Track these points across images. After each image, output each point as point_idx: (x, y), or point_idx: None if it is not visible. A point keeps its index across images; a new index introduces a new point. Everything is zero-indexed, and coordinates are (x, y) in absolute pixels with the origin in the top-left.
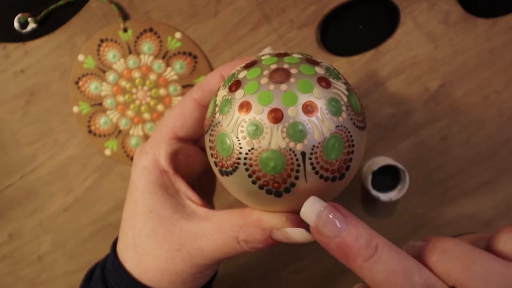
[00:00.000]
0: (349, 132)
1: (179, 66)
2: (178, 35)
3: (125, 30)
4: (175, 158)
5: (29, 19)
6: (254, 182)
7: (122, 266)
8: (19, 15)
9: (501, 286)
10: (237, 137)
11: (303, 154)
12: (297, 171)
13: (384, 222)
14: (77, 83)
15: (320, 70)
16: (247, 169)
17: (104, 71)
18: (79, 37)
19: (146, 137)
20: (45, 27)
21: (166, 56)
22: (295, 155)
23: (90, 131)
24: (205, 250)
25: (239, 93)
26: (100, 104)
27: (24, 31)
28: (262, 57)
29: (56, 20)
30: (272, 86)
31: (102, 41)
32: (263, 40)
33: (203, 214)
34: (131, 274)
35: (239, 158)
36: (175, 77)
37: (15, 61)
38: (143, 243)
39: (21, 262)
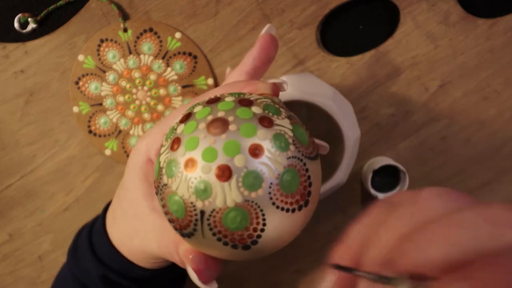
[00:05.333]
0: (301, 160)
1: (179, 66)
2: (178, 35)
3: (125, 30)
4: None
5: (29, 19)
6: (219, 240)
7: (105, 223)
8: (19, 15)
9: None
10: (189, 198)
11: (263, 198)
12: (264, 219)
13: None
14: (77, 83)
15: (258, 110)
16: (211, 229)
17: (104, 71)
18: (79, 37)
19: None
20: (45, 27)
21: (166, 56)
22: (256, 203)
23: (90, 131)
24: (151, 245)
25: (181, 152)
26: (100, 104)
27: (24, 31)
28: (194, 109)
29: (56, 20)
30: (212, 140)
31: (102, 41)
32: None
33: None
34: (107, 232)
35: (196, 220)
36: (175, 77)
37: (15, 61)
38: (118, 213)
39: (22, 262)
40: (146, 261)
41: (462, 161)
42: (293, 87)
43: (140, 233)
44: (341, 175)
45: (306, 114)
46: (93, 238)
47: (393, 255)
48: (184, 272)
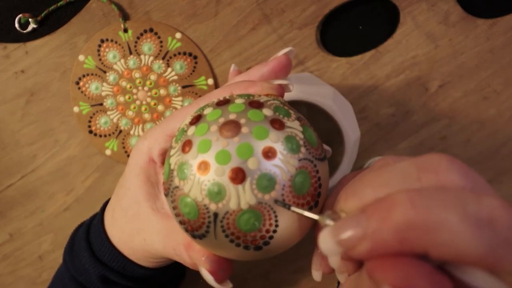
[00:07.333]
0: (311, 162)
1: (179, 66)
2: (178, 35)
3: (125, 30)
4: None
5: (30, 19)
6: (232, 241)
7: (103, 222)
8: (20, 15)
9: None
10: (202, 200)
11: (276, 201)
12: (276, 220)
13: None
14: (77, 83)
15: (268, 112)
16: (224, 231)
17: (104, 72)
18: (80, 37)
19: None
20: (46, 27)
21: (166, 57)
22: (269, 205)
23: (90, 131)
24: (155, 246)
25: (193, 154)
26: (101, 104)
27: (24, 31)
28: (204, 111)
29: (56, 20)
30: (224, 142)
31: (102, 41)
32: (263, 40)
33: (168, 213)
34: (106, 231)
35: (209, 222)
36: (175, 77)
37: (16, 61)
38: (118, 212)
39: (22, 262)
40: (147, 260)
41: (462, 161)
42: (293, 87)
43: (141, 233)
44: (341, 175)
45: (306, 114)
46: (91, 237)
47: (339, 198)
48: (183, 270)
